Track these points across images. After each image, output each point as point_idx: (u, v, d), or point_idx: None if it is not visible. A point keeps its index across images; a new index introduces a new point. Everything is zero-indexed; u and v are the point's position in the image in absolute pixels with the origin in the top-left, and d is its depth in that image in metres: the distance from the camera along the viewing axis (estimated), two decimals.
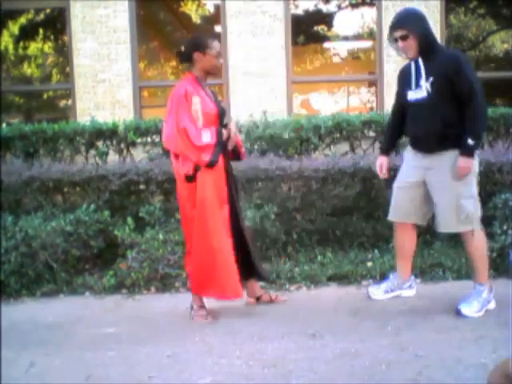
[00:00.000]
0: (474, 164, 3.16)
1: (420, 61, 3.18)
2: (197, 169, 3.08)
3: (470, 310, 3.18)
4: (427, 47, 3.16)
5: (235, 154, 3.36)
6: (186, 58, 3.19)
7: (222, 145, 3.13)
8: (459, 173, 3.11)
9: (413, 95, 3.23)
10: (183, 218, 3.25)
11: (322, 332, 3.04)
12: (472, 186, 3.19)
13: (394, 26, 3.20)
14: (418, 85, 3.19)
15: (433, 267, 3.96)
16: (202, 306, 3.35)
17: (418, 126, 3.22)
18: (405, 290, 3.57)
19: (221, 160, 3.16)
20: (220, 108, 3.26)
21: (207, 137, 3.05)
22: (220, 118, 3.24)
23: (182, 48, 3.21)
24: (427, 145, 3.22)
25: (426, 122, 3.17)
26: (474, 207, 3.18)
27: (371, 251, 4.20)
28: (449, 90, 3.08)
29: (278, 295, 3.59)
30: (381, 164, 3.52)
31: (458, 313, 3.18)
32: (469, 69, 3.08)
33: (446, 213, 3.20)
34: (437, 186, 3.21)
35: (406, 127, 3.38)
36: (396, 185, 3.44)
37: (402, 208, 3.40)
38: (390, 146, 3.58)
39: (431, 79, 3.12)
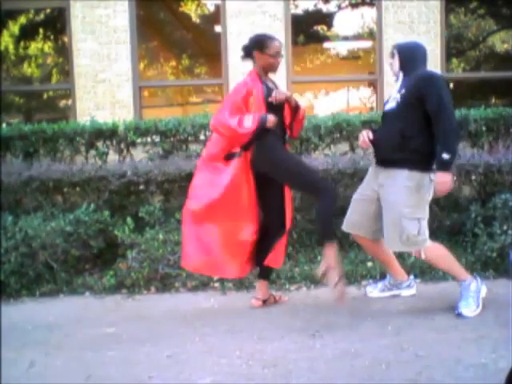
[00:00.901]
0: (425, 188, 3.12)
1: (402, 78, 3.26)
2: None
3: (469, 309, 3.19)
4: (407, 66, 3.24)
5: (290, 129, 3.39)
6: (246, 55, 3.36)
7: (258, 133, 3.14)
8: (439, 189, 3.08)
9: (387, 106, 3.32)
10: None
11: (322, 332, 3.04)
12: (418, 208, 3.14)
13: (392, 46, 3.39)
14: (394, 97, 3.27)
15: (433, 267, 3.96)
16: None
17: (380, 134, 3.27)
18: (404, 289, 3.58)
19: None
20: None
21: (249, 122, 3.10)
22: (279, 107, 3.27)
23: (245, 45, 3.39)
24: (382, 155, 3.25)
25: (386, 131, 3.22)
26: (417, 230, 3.13)
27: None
28: (416, 104, 3.09)
29: (281, 295, 3.60)
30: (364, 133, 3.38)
31: (460, 315, 3.18)
32: (440, 86, 3.05)
33: (388, 231, 3.20)
34: (384, 203, 3.23)
35: (374, 137, 3.32)
36: (354, 196, 3.46)
37: (351, 219, 3.43)
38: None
39: (402, 91, 3.18)
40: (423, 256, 3.21)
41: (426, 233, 3.20)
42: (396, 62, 3.29)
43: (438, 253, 3.26)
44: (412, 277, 3.64)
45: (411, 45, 3.37)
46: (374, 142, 3.29)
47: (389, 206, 3.19)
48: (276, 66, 3.33)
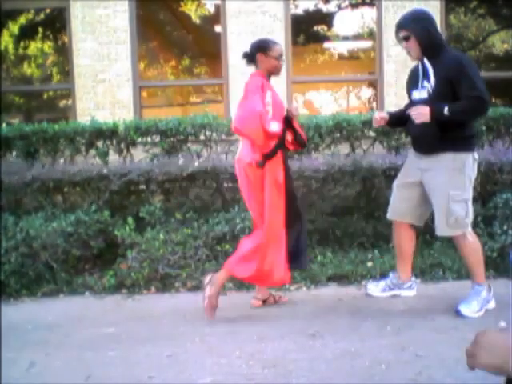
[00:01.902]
0: (470, 167, 3.15)
1: (426, 61, 3.19)
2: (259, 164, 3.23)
3: (469, 310, 3.19)
4: (430, 49, 3.16)
5: (298, 142, 3.45)
6: (250, 59, 3.39)
7: (283, 139, 3.31)
8: (413, 111, 3.11)
9: (417, 95, 3.27)
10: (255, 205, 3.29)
11: (322, 332, 3.04)
12: (464, 191, 3.16)
13: (398, 27, 3.23)
14: (422, 85, 3.21)
15: (433, 267, 3.97)
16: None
17: (417, 127, 3.22)
18: (405, 290, 3.58)
19: (279, 153, 3.29)
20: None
21: (276, 126, 3.19)
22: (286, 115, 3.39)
23: (248, 50, 3.44)
24: (424, 146, 3.25)
25: (424, 123, 3.15)
26: (464, 212, 3.16)
27: (371, 251, 4.20)
28: (450, 92, 3.07)
29: (281, 295, 3.60)
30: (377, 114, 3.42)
31: (458, 313, 3.18)
32: (472, 71, 3.05)
33: (438, 215, 3.22)
34: (431, 187, 3.23)
35: (407, 126, 3.38)
36: (395, 183, 3.48)
37: (398, 207, 3.44)
38: (392, 115, 3.50)
39: (434, 80, 3.13)
40: (469, 239, 3.20)
41: (472, 214, 3.22)
42: (415, 47, 3.17)
43: (477, 243, 3.26)
44: (414, 278, 3.64)
45: (424, 23, 3.16)
46: (390, 123, 3.38)
47: (436, 189, 3.19)
48: (280, 68, 3.38)
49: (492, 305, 3.28)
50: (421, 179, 3.29)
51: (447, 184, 3.14)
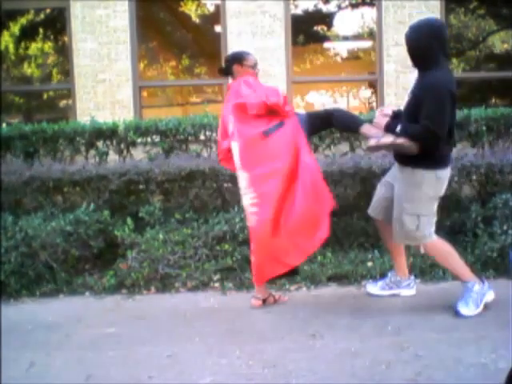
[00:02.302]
0: (430, 184, 3.12)
1: (416, 73, 3.20)
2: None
3: (468, 309, 3.19)
4: (418, 61, 3.12)
5: None
6: (226, 72, 3.56)
7: None
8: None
9: (405, 102, 3.33)
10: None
11: (322, 332, 3.04)
12: (418, 205, 3.15)
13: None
14: (409, 94, 3.26)
15: (433, 267, 3.96)
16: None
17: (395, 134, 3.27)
18: (404, 288, 3.58)
19: None
20: None
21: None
22: None
23: (223, 64, 3.65)
24: (394, 155, 3.33)
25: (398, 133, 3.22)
26: (415, 225, 3.16)
27: (371, 251, 4.20)
28: (415, 114, 3.06)
29: (280, 295, 3.60)
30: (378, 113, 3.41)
31: (458, 314, 3.18)
32: (437, 100, 2.96)
33: (393, 223, 3.27)
34: (394, 195, 3.28)
35: None
36: (380, 181, 3.56)
37: (373, 203, 3.52)
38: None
39: (410, 96, 3.18)
40: (422, 251, 3.28)
41: (427, 229, 3.21)
42: (409, 55, 3.16)
43: (440, 250, 3.28)
44: (413, 277, 3.64)
45: (421, 34, 3.04)
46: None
47: (395, 199, 3.25)
48: (256, 76, 3.52)
49: (490, 296, 3.27)
50: (392, 183, 3.35)
51: (402, 196, 3.19)
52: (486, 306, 3.24)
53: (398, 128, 3.08)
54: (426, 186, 3.13)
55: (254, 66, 3.52)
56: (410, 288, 3.60)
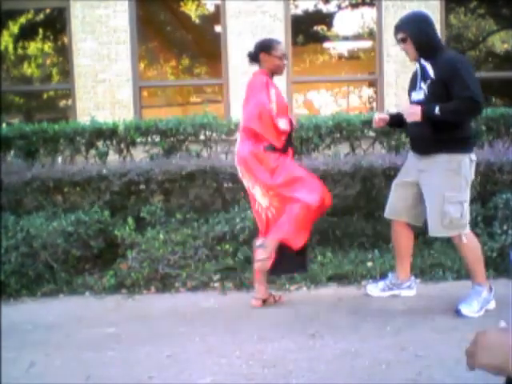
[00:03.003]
0: (466, 169, 3.15)
1: (423, 63, 3.20)
2: (267, 149, 3.30)
3: (469, 310, 3.19)
4: (426, 50, 3.18)
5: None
6: (253, 58, 3.43)
7: (291, 135, 3.48)
8: (405, 110, 3.18)
9: (415, 96, 3.29)
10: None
11: (322, 332, 3.04)
12: (460, 192, 3.16)
13: (396, 29, 3.28)
14: (419, 86, 3.24)
15: (433, 267, 3.97)
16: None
17: (414, 128, 3.24)
18: (404, 289, 3.58)
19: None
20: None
21: (284, 124, 3.32)
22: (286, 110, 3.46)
23: (251, 50, 3.49)
24: (420, 147, 3.27)
25: (421, 124, 3.17)
26: (460, 213, 3.16)
27: (371, 251, 4.20)
28: (444, 93, 3.07)
29: (280, 295, 3.60)
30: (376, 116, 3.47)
31: (458, 313, 3.18)
32: (466, 72, 3.04)
33: (431, 216, 3.23)
34: (426, 188, 3.25)
35: (406, 127, 3.40)
36: (394, 182, 3.51)
37: (394, 206, 3.47)
38: (392, 116, 3.52)
39: (429, 82, 3.15)
40: (464, 240, 3.21)
41: (468, 216, 3.22)
42: (411, 49, 3.20)
43: (474, 243, 3.27)
44: (413, 277, 3.64)
45: (421, 25, 3.19)
46: (390, 123, 3.43)
47: (431, 190, 3.21)
48: (283, 67, 3.44)
49: (492, 305, 3.28)
50: (417, 180, 3.31)
51: (442, 185, 3.15)
52: (486, 308, 3.25)
53: (437, 109, 3.03)
54: (464, 170, 3.14)
55: (282, 57, 3.41)
56: (410, 289, 3.59)
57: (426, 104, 3.13)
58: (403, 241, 3.51)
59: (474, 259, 3.27)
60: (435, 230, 3.25)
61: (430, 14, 3.43)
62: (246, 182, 3.39)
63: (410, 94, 3.38)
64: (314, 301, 3.59)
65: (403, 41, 3.23)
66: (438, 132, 3.11)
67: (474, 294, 3.25)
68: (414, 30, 3.18)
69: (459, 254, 3.38)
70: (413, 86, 3.33)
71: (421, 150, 3.28)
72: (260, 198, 3.35)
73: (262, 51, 3.38)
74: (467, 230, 3.24)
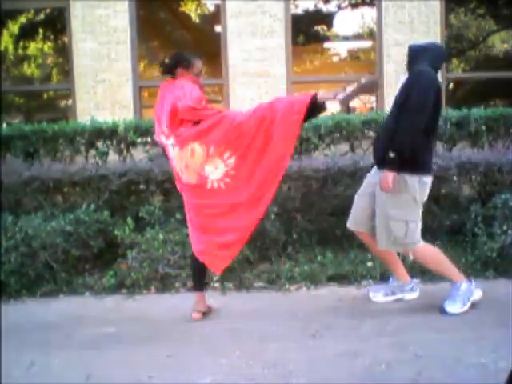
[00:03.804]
0: (415, 189, 3.12)
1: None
2: None
3: (454, 307, 3.22)
4: (409, 64, 3.21)
5: None
6: (168, 71, 3.30)
7: None
8: (380, 186, 3.12)
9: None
10: None
11: (322, 332, 3.04)
12: (405, 211, 3.14)
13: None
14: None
15: None
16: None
17: (374, 141, 3.36)
18: (407, 292, 3.55)
19: None
20: None
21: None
22: None
23: (167, 61, 3.34)
24: (375, 156, 3.30)
25: (381, 133, 3.25)
26: (404, 232, 3.16)
27: (371, 251, 4.19)
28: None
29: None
30: None
31: (443, 311, 3.20)
32: (419, 86, 3.02)
33: (378, 230, 3.25)
34: (376, 202, 3.25)
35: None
36: (356, 194, 3.49)
37: (352, 216, 3.47)
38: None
39: (397, 94, 3.21)
40: (411, 257, 3.26)
41: (415, 236, 3.20)
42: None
43: (428, 254, 3.28)
44: (414, 280, 3.61)
45: (420, 45, 3.29)
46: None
47: (379, 206, 3.22)
48: (200, 84, 3.30)
49: (478, 294, 3.28)
50: (374, 192, 3.29)
51: (387, 202, 3.16)
52: (486, 306, 3.24)
53: (391, 155, 3.05)
54: (412, 191, 3.12)
55: (199, 74, 3.30)
56: (413, 292, 3.57)
57: (390, 113, 3.25)
58: (376, 248, 3.43)
59: (436, 267, 3.34)
60: (382, 244, 3.28)
61: (429, 14, 3.45)
62: (198, 160, 3.16)
63: None
64: (314, 301, 3.59)
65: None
66: (390, 148, 3.07)
67: (454, 289, 3.28)
68: (412, 47, 3.28)
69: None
70: None
71: (376, 160, 3.31)
72: (212, 173, 3.14)
73: (179, 66, 3.25)
74: (416, 246, 3.23)
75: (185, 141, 3.12)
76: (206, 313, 3.37)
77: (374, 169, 3.39)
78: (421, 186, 3.14)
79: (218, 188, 3.12)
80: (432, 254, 3.28)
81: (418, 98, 3.00)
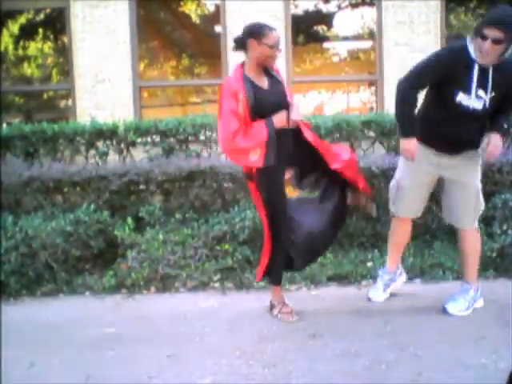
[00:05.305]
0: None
1: (490, 70, 2.90)
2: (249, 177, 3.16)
3: (456, 308, 3.21)
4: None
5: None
6: (239, 45, 3.02)
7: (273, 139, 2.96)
8: (491, 152, 3.00)
9: (466, 101, 2.96)
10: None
11: (322, 332, 3.04)
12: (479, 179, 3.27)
13: (492, 23, 2.77)
14: (476, 94, 2.94)
15: (433, 267, 3.97)
16: (285, 302, 3.36)
17: (460, 133, 3.05)
18: (398, 278, 3.60)
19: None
20: (272, 96, 3.05)
21: (243, 143, 2.93)
22: (270, 107, 3.02)
23: (239, 34, 3.04)
24: (460, 149, 3.12)
25: (470, 131, 3.05)
26: (482, 199, 3.27)
27: (371, 251, 4.20)
28: (502, 102, 3.01)
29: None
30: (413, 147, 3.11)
31: (445, 311, 3.20)
32: None
33: (466, 210, 3.24)
34: (458, 184, 3.19)
35: (436, 128, 3.11)
36: (406, 183, 3.30)
37: (412, 207, 3.40)
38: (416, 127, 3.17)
39: (493, 94, 2.93)
40: (479, 236, 3.31)
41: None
42: (498, 54, 2.82)
43: (480, 243, 3.34)
44: (400, 265, 3.64)
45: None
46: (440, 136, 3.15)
47: (465, 184, 3.20)
48: (274, 58, 3.02)
49: (480, 304, 3.29)
50: (437, 177, 3.28)
51: (475, 177, 3.22)
52: (486, 306, 3.26)
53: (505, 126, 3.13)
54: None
55: (274, 46, 2.94)
56: (401, 275, 3.62)
57: (481, 113, 2.98)
58: (406, 235, 3.51)
59: (475, 257, 3.30)
60: (469, 222, 3.27)
61: (429, 14, 3.42)
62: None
63: (453, 93, 2.97)
64: (314, 301, 3.59)
65: (496, 42, 2.77)
66: (483, 129, 3.11)
67: (462, 291, 3.27)
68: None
69: (460, 250, 3.37)
70: (462, 87, 2.94)
71: (460, 150, 3.12)
72: None
73: (250, 37, 2.94)
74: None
75: None
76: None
77: (428, 157, 3.16)
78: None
79: None
80: (480, 238, 3.34)
81: None
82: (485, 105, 2.97)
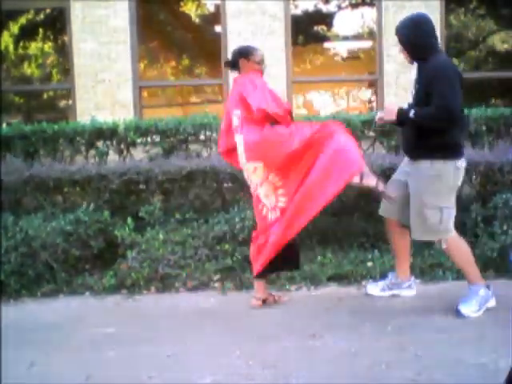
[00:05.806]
0: (449, 176, 3.14)
1: (416, 66, 3.26)
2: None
3: (469, 309, 3.19)
4: (416, 54, 3.20)
5: None
6: (233, 65, 3.52)
7: None
8: (380, 115, 3.29)
9: (410, 98, 3.35)
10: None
11: (322, 332, 3.04)
12: (439, 198, 3.16)
13: (395, 32, 3.30)
14: (414, 88, 3.30)
15: (433, 267, 3.96)
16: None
17: (402, 132, 3.38)
18: (404, 289, 3.57)
19: None
20: None
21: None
22: None
23: (229, 57, 3.62)
24: (407, 150, 3.33)
25: (407, 129, 3.26)
26: (438, 219, 3.16)
27: (371, 251, 4.20)
28: (425, 98, 3.10)
29: (280, 295, 3.60)
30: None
31: (458, 313, 3.19)
32: (446, 81, 3.03)
33: (412, 219, 3.25)
34: (410, 192, 3.27)
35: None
36: (389, 180, 3.51)
37: (387, 204, 3.46)
38: None
39: (417, 87, 3.22)
40: (444, 246, 3.24)
41: (450, 223, 3.22)
42: (404, 53, 3.24)
43: (458, 247, 3.27)
44: (413, 278, 3.63)
45: (413, 29, 3.16)
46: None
47: (413, 195, 3.23)
48: (261, 72, 3.50)
49: (492, 303, 3.28)
50: (407, 182, 3.33)
51: (422, 190, 3.18)
52: (486, 309, 3.24)
53: (412, 113, 3.09)
54: (445, 177, 3.14)
55: (261, 62, 3.49)
56: (410, 289, 3.59)
57: (411, 107, 3.19)
58: (399, 240, 3.51)
59: (462, 262, 3.30)
60: (416, 234, 3.30)
61: (429, 13, 3.43)
62: (255, 179, 3.34)
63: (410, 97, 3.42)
64: (314, 301, 3.59)
65: (400, 44, 3.26)
66: (422, 137, 3.13)
67: (472, 293, 3.26)
68: (405, 36, 3.19)
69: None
70: (413, 87, 3.36)
71: (408, 154, 3.33)
72: (264, 198, 3.33)
73: (241, 57, 3.46)
74: (449, 235, 3.23)
75: (252, 156, 3.30)
76: (267, 301, 3.49)
77: (405, 159, 3.41)
78: (456, 171, 3.17)
79: (265, 214, 3.36)
80: (464, 249, 3.28)
81: (452, 93, 3.08)
82: (413, 96, 3.27)
